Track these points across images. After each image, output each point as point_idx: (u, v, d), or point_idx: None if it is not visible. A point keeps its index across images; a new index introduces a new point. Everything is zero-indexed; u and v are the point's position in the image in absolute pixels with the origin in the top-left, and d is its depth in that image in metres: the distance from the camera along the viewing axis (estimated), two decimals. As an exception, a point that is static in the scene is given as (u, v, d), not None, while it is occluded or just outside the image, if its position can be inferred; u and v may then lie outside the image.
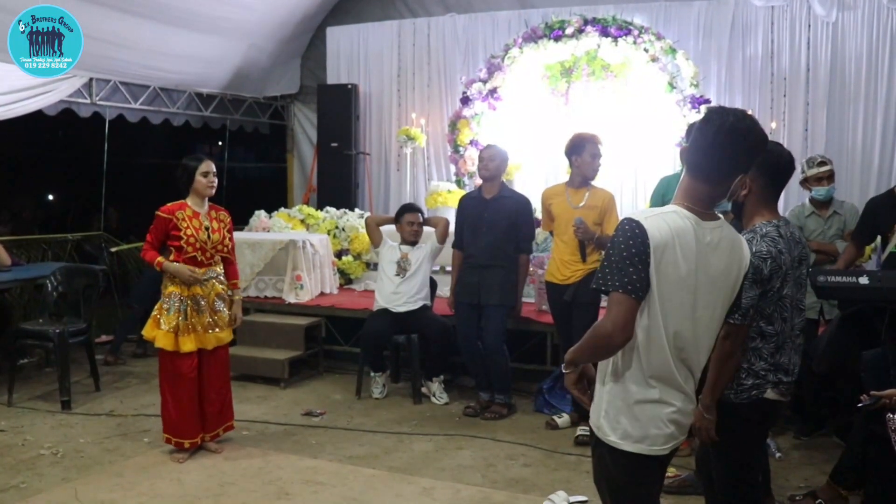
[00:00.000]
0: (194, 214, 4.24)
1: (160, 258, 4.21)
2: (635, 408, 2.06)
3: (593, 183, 4.75)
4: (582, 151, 4.65)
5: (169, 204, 4.25)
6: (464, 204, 5.26)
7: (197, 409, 4.30)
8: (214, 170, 4.30)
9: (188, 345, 4.20)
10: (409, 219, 5.53)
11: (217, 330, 4.31)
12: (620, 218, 4.68)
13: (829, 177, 4.69)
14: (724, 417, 2.54)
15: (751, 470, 2.70)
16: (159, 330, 4.19)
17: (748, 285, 2.39)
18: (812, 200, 4.79)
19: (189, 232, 4.18)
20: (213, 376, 4.34)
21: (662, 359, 2.03)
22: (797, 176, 4.82)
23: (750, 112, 2.07)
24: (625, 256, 1.96)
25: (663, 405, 2.06)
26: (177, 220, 4.18)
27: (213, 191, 4.31)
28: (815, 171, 4.69)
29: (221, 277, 4.38)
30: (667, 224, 1.99)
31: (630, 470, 2.11)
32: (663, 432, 2.08)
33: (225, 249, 4.35)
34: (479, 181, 5.49)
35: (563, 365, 2.17)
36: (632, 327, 1.97)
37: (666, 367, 2.04)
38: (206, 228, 4.25)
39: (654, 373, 2.04)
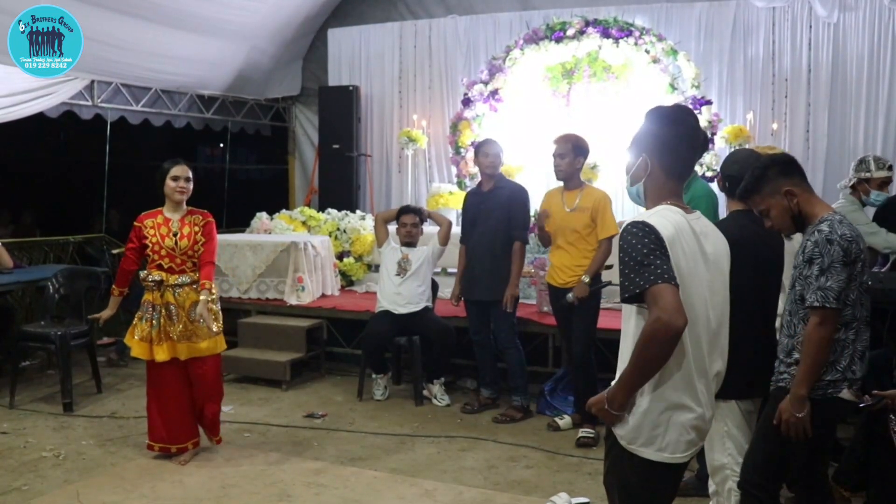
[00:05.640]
0: (164, 221, 4.14)
1: (116, 288, 4.26)
2: (657, 414, 2.01)
3: (592, 184, 4.71)
4: None
5: (145, 212, 4.20)
6: (466, 199, 5.29)
7: (186, 416, 4.25)
8: (189, 175, 4.14)
9: (161, 354, 4.10)
10: (404, 220, 5.56)
11: (194, 340, 4.13)
12: (615, 218, 4.65)
13: (890, 182, 4.46)
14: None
15: (784, 469, 2.65)
16: (133, 339, 4.17)
17: (839, 268, 2.41)
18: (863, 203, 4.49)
19: (154, 239, 4.11)
20: (196, 387, 4.23)
21: (682, 361, 1.99)
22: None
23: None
24: (645, 253, 1.93)
25: (685, 411, 2.01)
26: (145, 229, 4.13)
27: (184, 197, 4.15)
28: (883, 173, 4.40)
29: None
30: (667, 220, 2.01)
31: (648, 477, 2.06)
32: (684, 439, 2.03)
33: (196, 255, 4.16)
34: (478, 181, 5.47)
35: (609, 405, 2.03)
36: (683, 309, 1.90)
37: (686, 369, 2.00)
38: (175, 235, 4.13)
39: (674, 376, 1.99)
